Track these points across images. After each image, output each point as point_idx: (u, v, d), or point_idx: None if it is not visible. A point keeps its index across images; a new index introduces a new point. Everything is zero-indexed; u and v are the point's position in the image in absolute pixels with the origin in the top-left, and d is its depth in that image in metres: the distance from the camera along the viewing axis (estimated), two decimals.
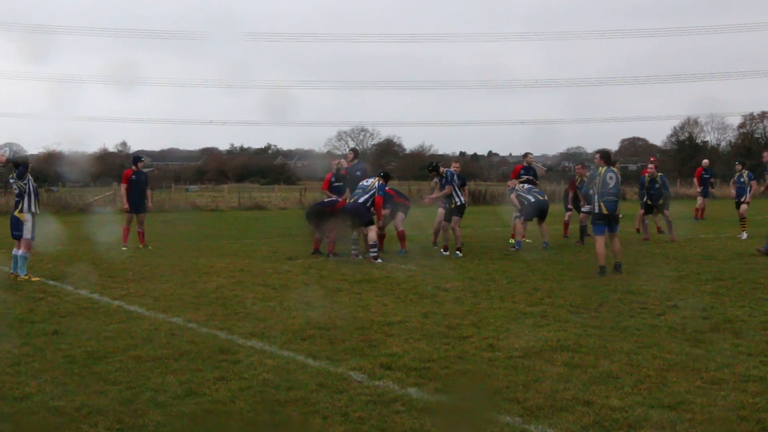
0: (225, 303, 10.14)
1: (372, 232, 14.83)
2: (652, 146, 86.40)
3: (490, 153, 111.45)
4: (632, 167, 75.59)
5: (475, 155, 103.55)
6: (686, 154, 75.43)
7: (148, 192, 17.92)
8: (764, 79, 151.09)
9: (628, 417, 5.48)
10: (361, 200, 14.89)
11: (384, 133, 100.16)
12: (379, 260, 14.56)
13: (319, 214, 15.87)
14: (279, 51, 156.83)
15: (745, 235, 19.00)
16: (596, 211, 12.81)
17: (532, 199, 17.03)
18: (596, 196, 12.77)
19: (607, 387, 6.20)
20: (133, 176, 17.43)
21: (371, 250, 14.74)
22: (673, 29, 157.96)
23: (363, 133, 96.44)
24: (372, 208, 14.91)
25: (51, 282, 11.99)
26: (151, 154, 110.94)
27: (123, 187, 17.54)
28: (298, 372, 6.71)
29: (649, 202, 19.21)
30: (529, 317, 9.09)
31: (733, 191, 20.97)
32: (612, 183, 12.76)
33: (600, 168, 12.86)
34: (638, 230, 20.04)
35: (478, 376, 6.57)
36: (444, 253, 15.72)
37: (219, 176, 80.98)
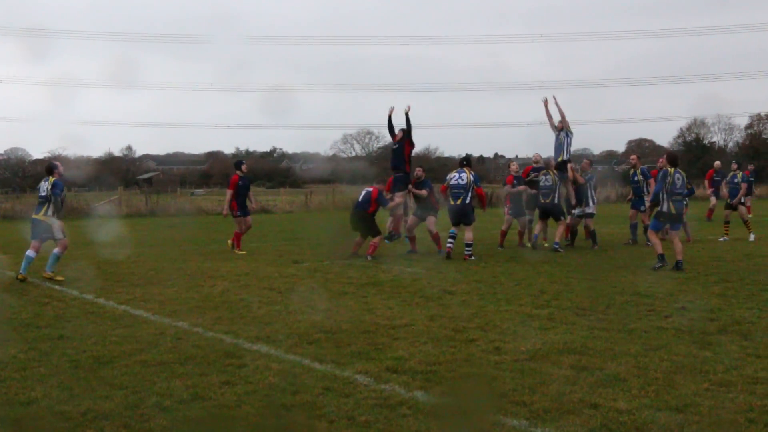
0: (230, 307, 10.13)
1: (470, 232, 15.45)
2: (659, 147, 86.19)
3: (496, 155, 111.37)
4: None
5: (481, 157, 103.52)
6: (693, 155, 75.22)
7: (251, 194, 18.14)
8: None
9: (636, 420, 5.45)
10: (467, 201, 15.49)
11: (389, 136, 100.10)
12: (473, 257, 15.12)
13: (362, 217, 15.92)
14: (283, 54, 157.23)
15: (753, 237, 18.93)
16: (664, 209, 13.53)
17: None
18: (665, 195, 13.41)
19: (614, 390, 6.17)
20: (240, 181, 17.46)
21: (468, 248, 15.27)
22: (678, 30, 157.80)
23: (368, 135, 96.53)
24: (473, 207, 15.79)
25: (57, 287, 12.00)
26: (156, 158, 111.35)
27: (230, 193, 17.45)
28: (303, 376, 6.69)
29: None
30: (536, 320, 9.06)
31: (725, 190, 20.71)
32: (679, 183, 13.59)
33: (669, 168, 13.57)
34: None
35: (484, 379, 6.54)
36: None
37: (224, 180, 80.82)
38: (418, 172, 17.09)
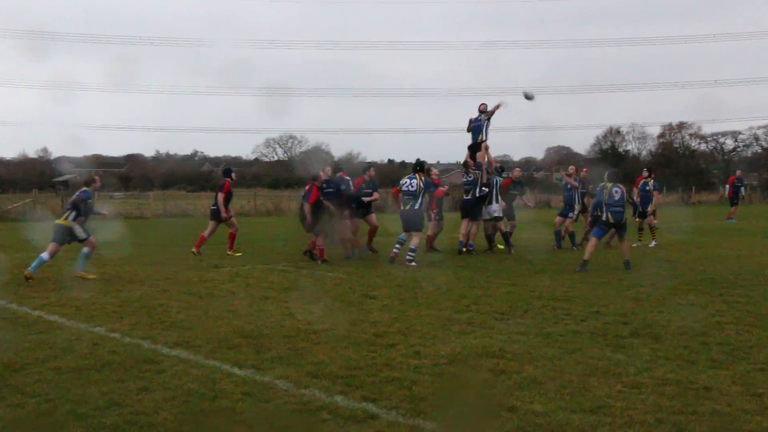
0: (149, 312, 9.97)
1: (417, 238, 15.46)
2: (577, 155, 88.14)
3: (417, 161, 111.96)
4: (557, 176, 76.88)
5: (402, 163, 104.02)
6: (609, 162, 77.14)
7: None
8: (683, 91, 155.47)
9: (551, 422, 5.57)
10: (416, 207, 15.50)
11: (312, 140, 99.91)
12: (414, 263, 15.01)
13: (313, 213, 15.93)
14: (205, 56, 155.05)
15: (654, 243, 19.61)
16: (603, 219, 14.70)
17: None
18: (605, 207, 14.57)
19: (530, 392, 6.29)
20: (231, 188, 17.81)
21: (410, 253, 15.21)
22: (595, 40, 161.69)
23: (291, 140, 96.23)
24: (424, 213, 15.92)
25: None
26: (73, 161, 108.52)
27: (222, 196, 17.54)
28: (223, 381, 6.64)
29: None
30: (456, 324, 9.17)
31: (637, 199, 21.23)
32: (618, 196, 14.60)
33: (607, 183, 14.60)
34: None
35: (404, 383, 6.59)
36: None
37: (144, 183, 79.61)
38: (371, 172, 17.68)
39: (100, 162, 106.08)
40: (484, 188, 17.47)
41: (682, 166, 76.41)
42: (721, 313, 9.81)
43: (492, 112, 17.98)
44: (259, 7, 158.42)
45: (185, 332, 8.64)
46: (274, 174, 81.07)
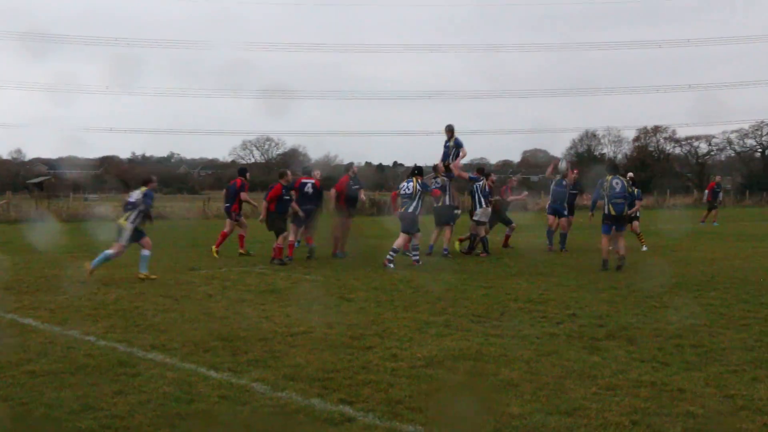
0: (125, 315, 9.90)
1: (401, 240, 15.67)
2: (553, 157, 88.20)
3: (395, 163, 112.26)
4: (534, 178, 77.29)
5: (380, 165, 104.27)
6: (585, 166, 77.57)
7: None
8: (657, 95, 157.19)
9: (527, 424, 5.60)
10: (410, 210, 15.74)
11: (289, 143, 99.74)
12: (392, 265, 15.22)
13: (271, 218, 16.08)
14: (181, 58, 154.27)
15: (645, 248, 19.67)
16: (605, 212, 14.85)
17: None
18: (606, 200, 14.75)
19: (507, 395, 6.32)
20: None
21: (391, 253, 15.43)
22: (571, 43, 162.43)
23: (268, 142, 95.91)
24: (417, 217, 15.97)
25: None
26: (48, 162, 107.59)
27: (246, 194, 17.79)
28: (199, 384, 6.61)
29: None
30: (433, 327, 9.18)
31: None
32: (618, 188, 14.79)
33: (607, 176, 14.70)
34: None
35: (381, 386, 6.60)
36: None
37: (120, 185, 79.05)
38: (354, 169, 18.23)
39: (74, 163, 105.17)
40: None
41: (657, 169, 77.00)
42: (695, 316, 9.90)
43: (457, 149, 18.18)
44: (241, 10, 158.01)
45: (161, 335, 8.60)
46: (251, 176, 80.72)
